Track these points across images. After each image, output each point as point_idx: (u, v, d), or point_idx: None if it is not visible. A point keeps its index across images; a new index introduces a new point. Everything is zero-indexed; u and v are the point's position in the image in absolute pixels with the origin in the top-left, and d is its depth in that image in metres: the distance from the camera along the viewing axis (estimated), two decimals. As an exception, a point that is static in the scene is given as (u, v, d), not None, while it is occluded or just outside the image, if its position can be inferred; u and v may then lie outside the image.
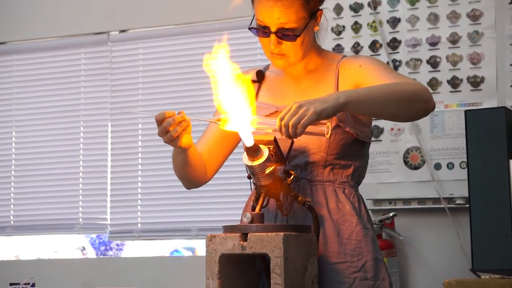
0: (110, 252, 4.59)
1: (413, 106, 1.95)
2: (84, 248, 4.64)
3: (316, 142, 2.05)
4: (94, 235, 4.57)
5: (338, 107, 1.83)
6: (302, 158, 2.06)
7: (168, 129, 1.95)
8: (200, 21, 4.12)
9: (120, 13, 4.28)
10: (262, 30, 2.04)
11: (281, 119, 1.81)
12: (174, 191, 4.05)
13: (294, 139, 1.93)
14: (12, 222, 4.44)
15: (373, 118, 2.23)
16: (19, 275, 3.60)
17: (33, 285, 2.12)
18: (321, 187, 2.06)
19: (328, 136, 1.84)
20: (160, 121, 1.96)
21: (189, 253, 4.41)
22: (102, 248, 4.62)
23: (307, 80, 2.14)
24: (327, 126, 1.82)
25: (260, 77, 2.21)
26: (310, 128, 1.82)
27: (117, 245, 4.58)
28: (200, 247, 4.40)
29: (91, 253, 4.62)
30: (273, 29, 2.02)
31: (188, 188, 2.24)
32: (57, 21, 4.41)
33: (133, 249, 4.52)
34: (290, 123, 1.79)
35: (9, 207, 4.44)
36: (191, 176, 2.17)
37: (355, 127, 2.07)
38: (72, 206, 4.32)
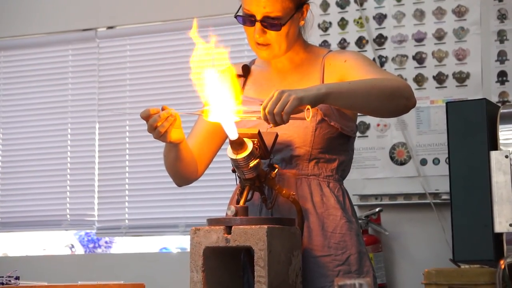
0: (99, 250, 4.58)
1: (394, 101, 1.97)
2: (73, 246, 4.63)
3: (301, 136, 2.06)
4: (82, 233, 4.56)
5: (319, 97, 1.84)
6: (287, 152, 2.07)
7: (155, 126, 1.96)
8: (187, 17, 4.12)
9: (108, 9, 4.28)
10: (248, 19, 2.05)
11: (265, 108, 1.82)
12: (162, 187, 4.05)
13: (279, 133, 1.95)
14: (-1, 218, 4.44)
15: (358, 114, 2.24)
16: (6, 272, 3.58)
17: (17, 277, 2.11)
18: (306, 180, 2.07)
19: (308, 119, 1.84)
20: (145, 118, 1.96)
21: (178, 251, 4.40)
22: (91, 245, 4.61)
23: (293, 75, 2.15)
24: (307, 109, 1.82)
25: (245, 71, 2.22)
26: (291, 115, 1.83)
27: (106, 242, 4.57)
28: (191, 245, 4.37)
29: (79, 251, 4.61)
30: (258, 17, 2.03)
31: (179, 185, 2.24)
32: (44, 17, 4.40)
33: (122, 246, 4.52)
34: (274, 112, 1.80)
35: (-4, 203, 4.43)
36: (183, 172, 2.17)
37: (340, 121, 2.08)
38: (60, 203, 4.32)
